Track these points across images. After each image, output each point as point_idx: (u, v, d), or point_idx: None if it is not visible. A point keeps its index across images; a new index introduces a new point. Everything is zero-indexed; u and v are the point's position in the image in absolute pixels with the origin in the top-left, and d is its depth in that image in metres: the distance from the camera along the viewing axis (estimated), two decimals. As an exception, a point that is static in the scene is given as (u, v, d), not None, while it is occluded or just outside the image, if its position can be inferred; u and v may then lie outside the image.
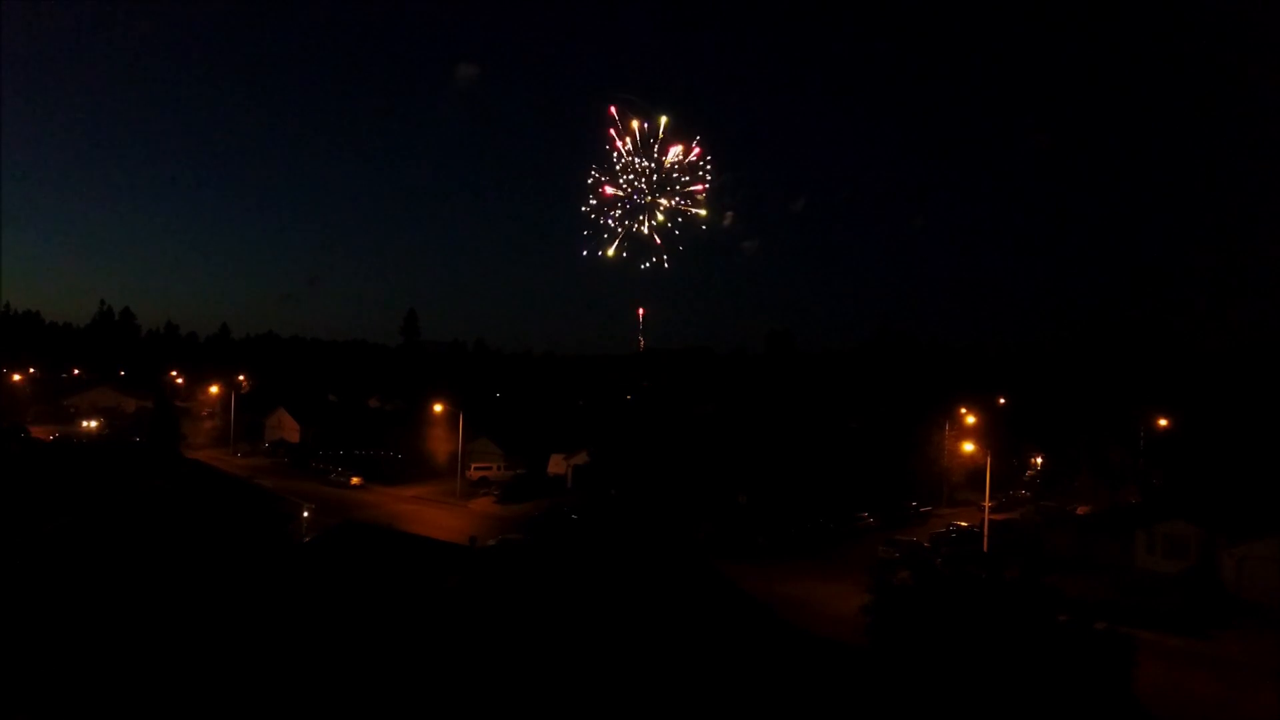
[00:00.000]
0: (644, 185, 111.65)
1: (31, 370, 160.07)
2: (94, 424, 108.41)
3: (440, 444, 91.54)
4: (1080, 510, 75.42)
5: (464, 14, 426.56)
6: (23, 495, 37.59)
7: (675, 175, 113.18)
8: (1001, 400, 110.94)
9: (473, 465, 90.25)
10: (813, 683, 23.78)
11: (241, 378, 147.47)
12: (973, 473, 78.35)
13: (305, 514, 54.86)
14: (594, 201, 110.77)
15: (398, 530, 38.92)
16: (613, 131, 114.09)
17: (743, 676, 22.90)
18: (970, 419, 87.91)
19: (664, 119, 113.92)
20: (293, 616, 26.87)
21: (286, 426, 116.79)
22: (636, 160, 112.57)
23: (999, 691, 23.15)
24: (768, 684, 22.91)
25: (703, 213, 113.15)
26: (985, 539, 57.13)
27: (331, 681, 23.63)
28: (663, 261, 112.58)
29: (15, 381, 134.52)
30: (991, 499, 62.71)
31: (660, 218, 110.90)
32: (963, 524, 68.70)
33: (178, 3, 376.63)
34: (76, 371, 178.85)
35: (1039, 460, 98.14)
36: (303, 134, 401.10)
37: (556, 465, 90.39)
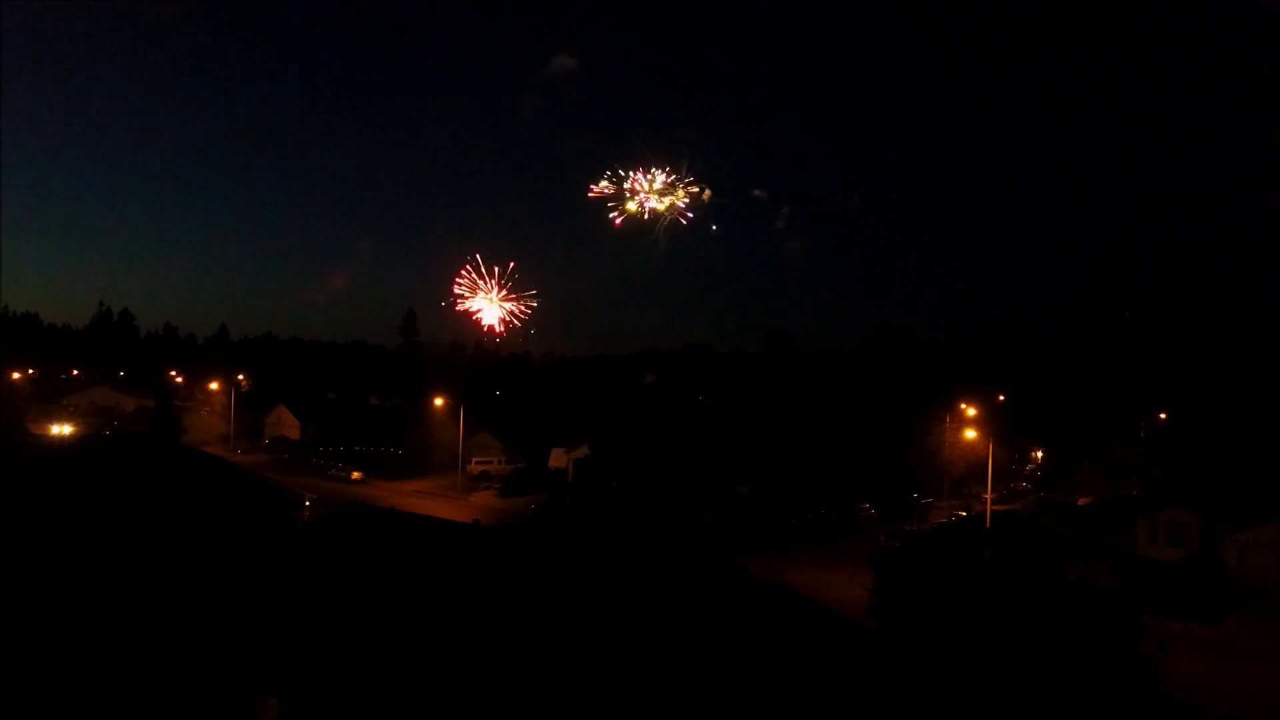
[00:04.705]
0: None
1: (30, 371, 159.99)
2: (94, 421, 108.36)
3: (441, 439, 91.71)
4: (1081, 502, 75.65)
5: (463, 15, 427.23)
6: (31, 483, 37.74)
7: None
8: (1001, 397, 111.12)
9: (474, 460, 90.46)
10: (834, 654, 23.80)
11: (241, 377, 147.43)
12: (973, 465, 78.56)
13: (307, 504, 54.96)
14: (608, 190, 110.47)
15: (402, 511, 39.06)
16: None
17: (763, 651, 22.85)
18: (971, 412, 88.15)
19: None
20: (300, 591, 26.93)
21: (286, 424, 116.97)
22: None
23: (1009, 660, 23.25)
24: (790, 659, 22.86)
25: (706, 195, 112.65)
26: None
27: (340, 653, 23.65)
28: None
29: (14, 381, 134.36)
30: (993, 491, 62.83)
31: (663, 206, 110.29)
32: (964, 515, 68.83)
33: (177, 4, 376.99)
34: (75, 372, 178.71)
35: (1039, 454, 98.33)
36: (302, 135, 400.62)
37: (557, 459, 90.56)
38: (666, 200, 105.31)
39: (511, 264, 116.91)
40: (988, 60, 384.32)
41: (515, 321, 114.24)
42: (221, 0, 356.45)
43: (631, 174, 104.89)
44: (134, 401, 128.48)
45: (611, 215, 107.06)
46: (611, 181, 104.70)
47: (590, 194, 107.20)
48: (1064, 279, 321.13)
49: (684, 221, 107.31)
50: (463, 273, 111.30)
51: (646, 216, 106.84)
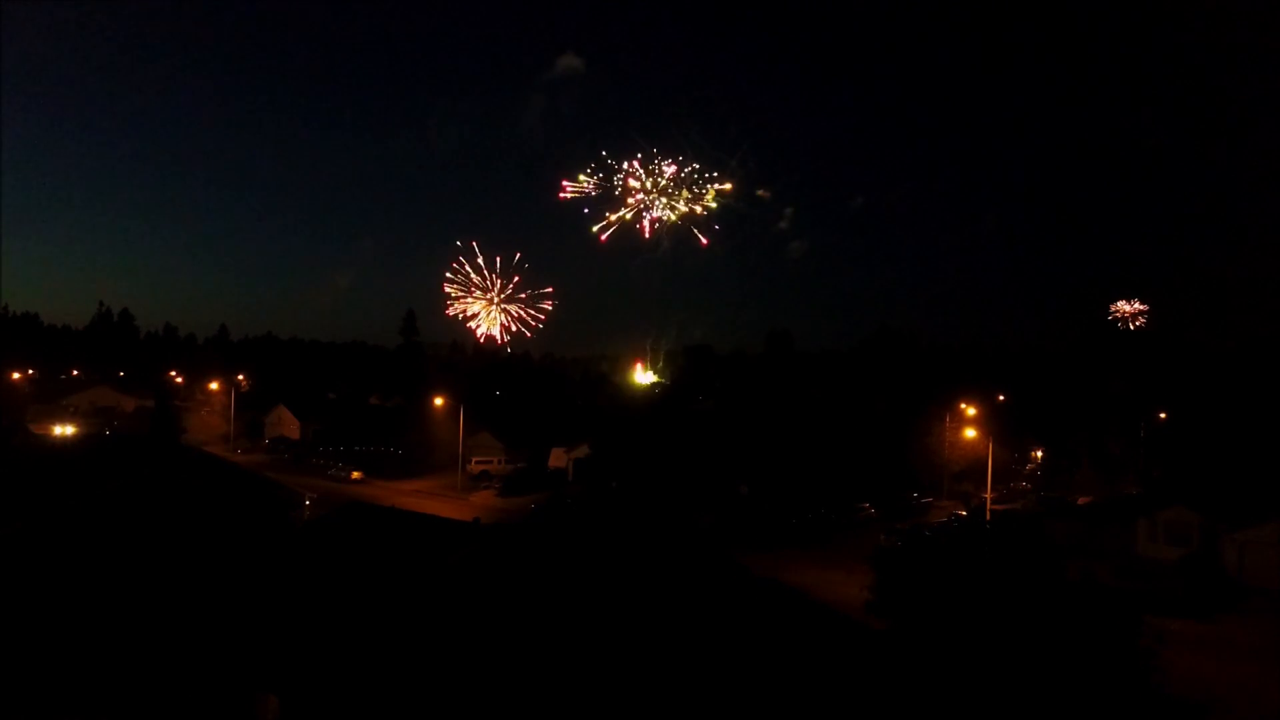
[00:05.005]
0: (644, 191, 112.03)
1: (31, 371, 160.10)
2: (94, 421, 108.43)
3: (441, 439, 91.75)
4: (1081, 501, 75.70)
5: (462, 14, 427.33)
6: (31, 483, 37.86)
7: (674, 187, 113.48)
8: (1001, 397, 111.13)
9: (474, 459, 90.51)
10: (833, 648, 23.81)
11: (241, 377, 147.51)
12: (973, 465, 78.64)
13: (307, 503, 54.96)
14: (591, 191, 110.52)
15: (402, 510, 39.14)
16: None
17: (763, 649, 22.86)
18: (970, 411, 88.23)
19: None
20: (300, 590, 26.95)
21: (286, 423, 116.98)
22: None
23: (1009, 657, 23.30)
24: (791, 655, 22.87)
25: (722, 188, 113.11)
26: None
27: (340, 652, 23.67)
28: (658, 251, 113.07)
29: (15, 381, 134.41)
30: (993, 491, 62.85)
31: (672, 214, 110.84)
32: (964, 514, 68.84)
33: (176, 4, 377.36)
34: (75, 372, 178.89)
35: (1039, 454, 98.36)
36: (303, 135, 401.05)
37: (557, 459, 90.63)
38: (680, 209, 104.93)
39: (518, 255, 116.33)
40: (988, 61, 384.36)
41: (524, 331, 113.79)
42: (221, 0, 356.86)
43: (625, 166, 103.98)
44: (134, 401, 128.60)
45: (595, 229, 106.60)
46: (599, 180, 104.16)
47: (563, 194, 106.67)
48: (1063, 279, 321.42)
49: (704, 242, 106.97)
50: (455, 266, 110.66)
51: (649, 232, 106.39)
